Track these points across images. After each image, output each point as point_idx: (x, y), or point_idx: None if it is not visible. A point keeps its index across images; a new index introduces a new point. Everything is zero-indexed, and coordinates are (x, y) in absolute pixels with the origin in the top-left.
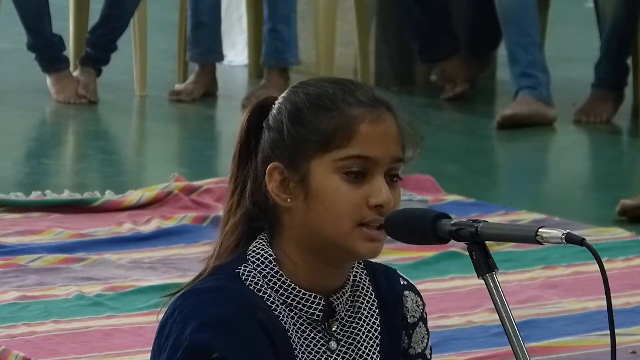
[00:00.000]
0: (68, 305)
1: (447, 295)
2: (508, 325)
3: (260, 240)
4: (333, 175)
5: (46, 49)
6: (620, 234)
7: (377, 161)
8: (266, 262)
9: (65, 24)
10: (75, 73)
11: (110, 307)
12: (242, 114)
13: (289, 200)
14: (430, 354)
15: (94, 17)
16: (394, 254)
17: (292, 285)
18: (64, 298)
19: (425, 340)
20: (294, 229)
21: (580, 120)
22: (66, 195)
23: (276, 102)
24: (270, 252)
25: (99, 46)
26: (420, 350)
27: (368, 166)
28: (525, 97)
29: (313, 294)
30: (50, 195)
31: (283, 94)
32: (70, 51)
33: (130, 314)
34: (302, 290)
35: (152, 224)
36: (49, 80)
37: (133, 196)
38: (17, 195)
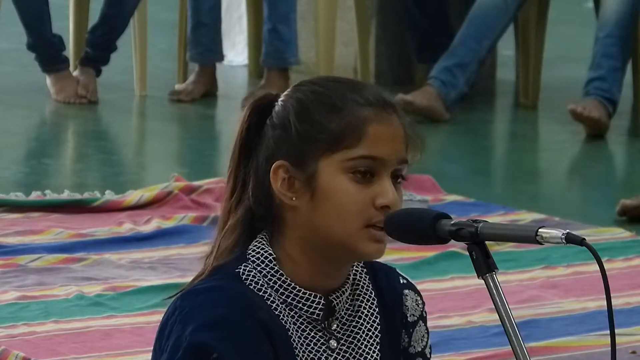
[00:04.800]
0: (68, 305)
1: (447, 295)
2: (508, 325)
3: (260, 239)
4: (341, 175)
5: (46, 49)
6: (620, 234)
7: (384, 162)
8: (266, 261)
9: (65, 24)
10: (75, 73)
11: (110, 307)
12: (242, 112)
13: (294, 199)
14: (430, 353)
15: (94, 17)
16: (394, 254)
17: (292, 284)
18: (64, 298)
19: (425, 339)
20: (297, 228)
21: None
22: (66, 195)
23: (279, 99)
24: (270, 252)
25: (99, 46)
26: (420, 349)
27: (376, 167)
28: (429, 87)
29: (313, 293)
30: (50, 195)
31: (286, 92)
32: (70, 51)
33: (130, 314)
34: (302, 290)
35: (152, 224)
36: (48, 80)
37: (133, 196)
38: (17, 195)
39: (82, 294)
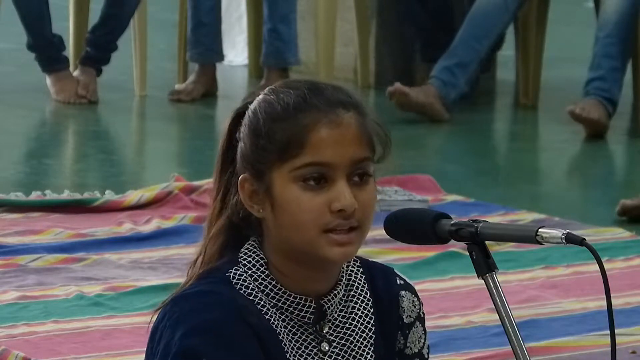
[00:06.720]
0: (68, 305)
1: (447, 295)
2: (508, 325)
3: (252, 243)
4: (292, 185)
5: (46, 49)
6: (620, 234)
7: (334, 166)
8: (257, 265)
9: (65, 24)
10: (75, 73)
11: (110, 307)
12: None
13: (260, 210)
14: (428, 354)
15: (94, 17)
16: (394, 254)
17: (283, 288)
18: (64, 298)
19: (423, 340)
20: (271, 237)
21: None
22: (66, 195)
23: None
24: (261, 255)
25: (99, 46)
26: (417, 350)
27: (326, 172)
28: (431, 86)
29: (304, 297)
30: (50, 195)
31: (256, 99)
32: (70, 51)
33: (130, 314)
34: (293, 294)
35: (152, 224)
36: (48, 80)
37: (133, 196)
38: (17, 195)
39: (82, 294)
